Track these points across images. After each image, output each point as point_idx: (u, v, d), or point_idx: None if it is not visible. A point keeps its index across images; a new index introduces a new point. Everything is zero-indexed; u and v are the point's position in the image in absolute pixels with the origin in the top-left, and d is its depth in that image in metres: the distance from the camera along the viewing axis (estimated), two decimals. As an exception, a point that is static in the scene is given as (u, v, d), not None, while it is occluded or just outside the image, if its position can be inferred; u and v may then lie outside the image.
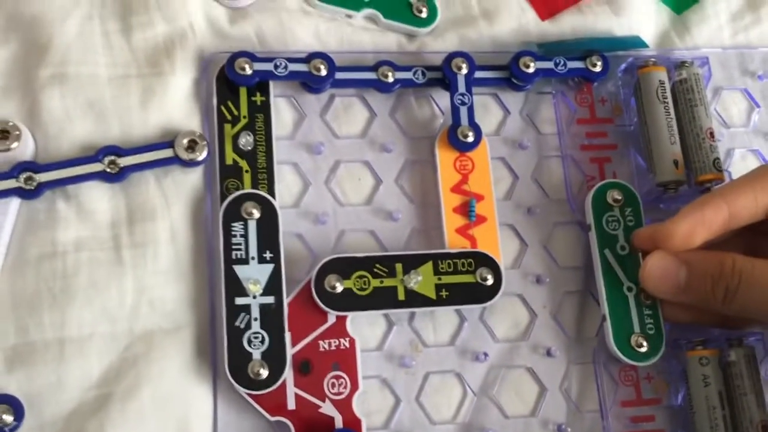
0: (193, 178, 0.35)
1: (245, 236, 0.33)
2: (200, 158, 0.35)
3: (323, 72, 0.36)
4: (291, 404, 0.33)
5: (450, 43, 0.40)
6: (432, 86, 0.38)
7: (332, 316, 0.34)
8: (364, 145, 0.38)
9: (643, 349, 0.35)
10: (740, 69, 0.42)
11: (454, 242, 0.36)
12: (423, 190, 0.37)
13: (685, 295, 0.33)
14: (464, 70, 0.38)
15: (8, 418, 0.30)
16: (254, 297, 0.33)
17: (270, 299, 0.33)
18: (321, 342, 0.34)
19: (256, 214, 0.34)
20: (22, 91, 0.34)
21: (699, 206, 0.33)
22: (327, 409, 0.33)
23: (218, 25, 0.37)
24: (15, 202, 0.33)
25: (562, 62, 0.39)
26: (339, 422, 0.33)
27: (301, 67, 0.36)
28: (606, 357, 0.36)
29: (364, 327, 0.35)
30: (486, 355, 0.35)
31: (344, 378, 0.33)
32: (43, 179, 0.33)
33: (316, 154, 0.37)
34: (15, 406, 0.30)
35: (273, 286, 0.33)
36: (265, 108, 0.36)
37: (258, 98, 0.36)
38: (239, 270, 0.33)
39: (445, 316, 0.36)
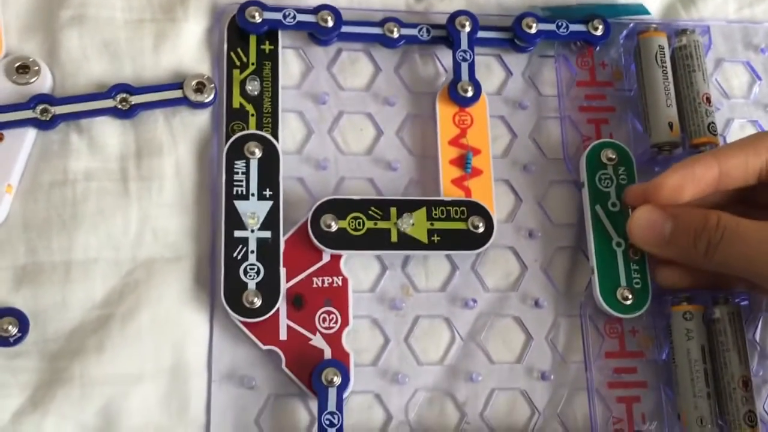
0: (200, 119, 0.37)
1: (246, 174, 0.35)
2: (207, 100, 0.36)
3: (330, 23, 0.38)
4: (283, 335, 0.34)
5: (456, 5, 0.41)
6: (436, 44, 0.40)
7: (327, 255, 0.35)
8: (368, 97, 0.39)
9: (629, 302, 0.36)
10: (743, 42, 0.43)
11: (449, 192, 0.37)
12: (423, 143, 0.39)
13: (668, 247, 0.34)
14: (467, 28, 0.39)
15: (13, 330, 0.32)
16: (252, 231, 0.34)
17: (267, 234, 0.34)
18: (315, 279, 0.35)
19: (258, 153, 0.35)
20: (44, 30, 0.36)
21: (690, 162, 0.34)
22: (317, 341, 0.34)
23: (232, -25, 0.39)
24: (31, 132, 0.35)
25: (564, 25, 0.40)
26: (328, 354, 0.34)
27: (309, 18, 0.38)
28: (593, 310, 0.37)
29: (359, 270, 0.36)
30: (475, 301, 0.37)
31: (335, 314, 0.35)
32: (58, 112, 0.35)
33: (321, 104, 0.38)
34: (20, 319, 0.32)
35: (271, 222, 0.34)
36: (273, 56, 0.38)
37: (267, 47, 0.38)
38: (239, 205, 0.34)
39: (438, 264, 0.37)
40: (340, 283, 0.35)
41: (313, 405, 0.34)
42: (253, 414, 0.34)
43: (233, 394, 0.34)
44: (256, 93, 0.37)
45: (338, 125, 0.38)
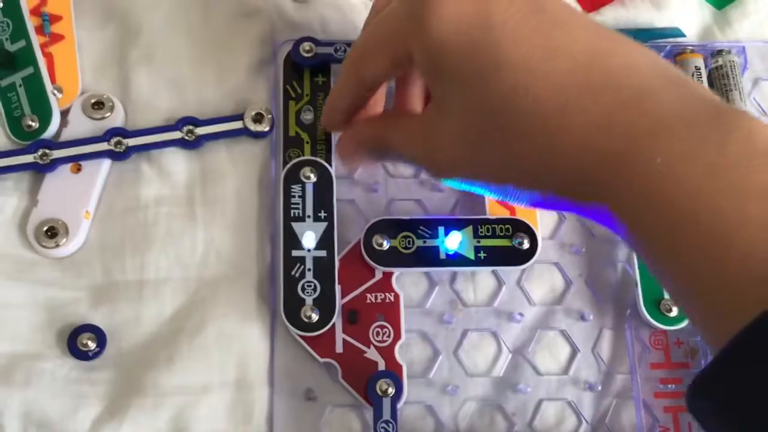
0: (259, 147, 0.39)
1: (303, 197, 0.37)
2: (265, 129, 0.39)
3: (378, 56, 0.40)
4: (339, 348, 0.36)
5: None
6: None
7: (379, 272, 0.37)
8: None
9: (672, 314, 0.37)
10: (781, 61, 0.44)
11: (494, 211, 0.39)
12: (468, 165, 0.40)
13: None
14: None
15: (92, 345, 0.34)
16: (308, 250, 0.37)
17: (323, 253, 0.37)
18: (368, 295, 0.37)
19: (313, 177, 0.38)
20: (116, 69, 0.40)
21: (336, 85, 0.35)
22: (371, 354, 0.36)
23: (285, 13, 0.42)
24: (106, 163, 0.38)
25: (601, 49, 0.41)
26: (382, 366, 0.36)
27: (359, 51, 0.40)
28: (637, 322, 0.38)
29: (409, 286, 0.38)
30: (521, 315, 0.38)
31: (388, 328, 0.37)
32: (131, 143, 0.38)
33: (371, 130, 0.41)
34: (99, 335, 0.35)
35: (325, 242, 0.37)
36: (326, 88, 0.40)
37: (320, 79, 0.40)
38: (296, 226, 0.37)
39: (485, 280, 0.39)
40: (392, 299, 0.37)
41: (369, 415, 0.36)
42: (314, 424, 0.36)
43: (294, 405, 0.36)
44: (310, 122, 0.40)
45: (388, 150, 0.41)
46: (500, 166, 0.28)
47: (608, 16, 0.44)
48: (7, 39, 0.38)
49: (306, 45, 0.40)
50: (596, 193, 0.26)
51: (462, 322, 0.38)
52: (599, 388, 0.37)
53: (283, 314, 0.35)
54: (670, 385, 0.37)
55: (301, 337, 0.36)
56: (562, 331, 0.38)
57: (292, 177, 0.38)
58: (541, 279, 0.39)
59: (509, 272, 0.39)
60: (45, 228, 0.36)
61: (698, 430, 0.36)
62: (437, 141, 0.30)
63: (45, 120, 0.37)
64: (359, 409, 0.36)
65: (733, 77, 0.41)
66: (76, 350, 0.34)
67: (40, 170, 0.37)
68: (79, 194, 0.37)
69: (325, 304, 0.36)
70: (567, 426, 0.37)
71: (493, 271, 0.39)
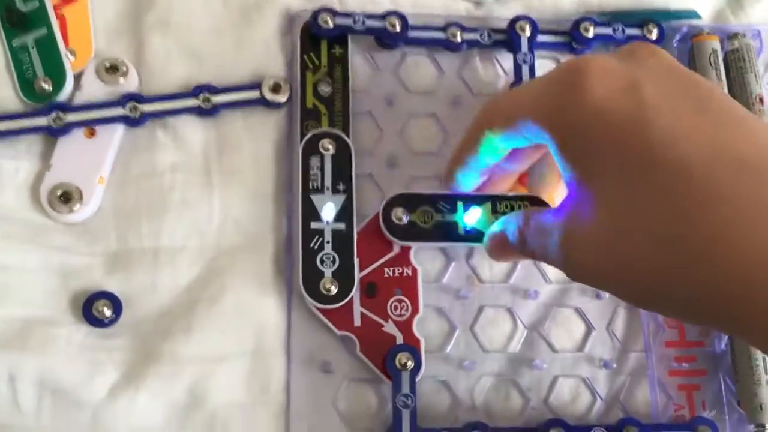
0: (276, 117, 0.39)
1: (321, 169, 0.37)
2: (283, 100, 0.38)
3: (397, 28, 0.40)
4: (357, 321, 0.36)
5: (514, 11, 0.42)
6: (496, 48, 0.42)
7: (397, 246, 0.37)
8: (433, 99, 0.41)
9: (688, 293, 0.37)
10: (793, 45, 0.44)
11: (513, 188, 0.39)
12: (485, 142, 0.40)
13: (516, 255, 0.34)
14: (527, 32, 0.41)
15: (108, 312, 0.34)
16: (327, 223, 0.36)
17: (341, 225, 0.36)
18: (386, 269, 0.37)
19: (332, 150, 0.37)
20: (131, 34, 0.39)
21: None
22: (389, 328, 0.36)
23: (304, -15, 0.41)
24: (120, 128, 0.37)
25: (620, 29, 0.41)
26: (400, 340, 0.36)
27: (378, 23, 0.40)
28: (652, 301, 0.38)
29: (426, 261, 0.38)
30: (537, 293, 0.38)
31: (406, 302, 0.36)
32: (146, 110, 0.37)
33: (389, 105, 0.40)
34: (114, 302, 0.34)
35: (344, 215, 0.36)
36: (343, 60, 0.40)
37: (337, 50, 0.40)
38: (315, 198, 0.36)
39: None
40: (410, 273, 0.37)
41: (384, 389, 0.36)
42: (330, 397, 0.35)
43: (310, 377, 0.35)
44: (328, 94, 0.39)
45: (406, 126, 0.40)
46: (634, 280, 0.26)
47: (623, -2, 0.44)
48: (19, -1, 0.37)
49: (324, 15, 0.39)
50: (729, 319, 0.25)
51: (478, 298, 0.38)
52: (614, 365, 0.37)
53: (302, 286, 0.35)
54: (684, 364, 0.37)
55: (319, 309, 0.35)
56: (576, 309, 0.38)
57: (311, 148, 0.37)
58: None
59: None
60: (58, 192, 0.35)
61: (712, 409, 0.37)
62: (572, 240, 0.28)
63: (59, 82, 0.36)
64: (375, 382, 0.36)
65: (749, 60, 0.41)
66: (91, 317, 0.34)
67: (53, 134, 0.36)
68: (93, 159, 0.36)
69: (344, 277, 0.35)
70: (581, 402, 0.37)
71: (510, 248, 0.38)
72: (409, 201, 0.37)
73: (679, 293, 0.25)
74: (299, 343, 0.36)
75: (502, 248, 0.34)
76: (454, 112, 0.41)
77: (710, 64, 0.40)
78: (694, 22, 0.43)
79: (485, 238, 0.35)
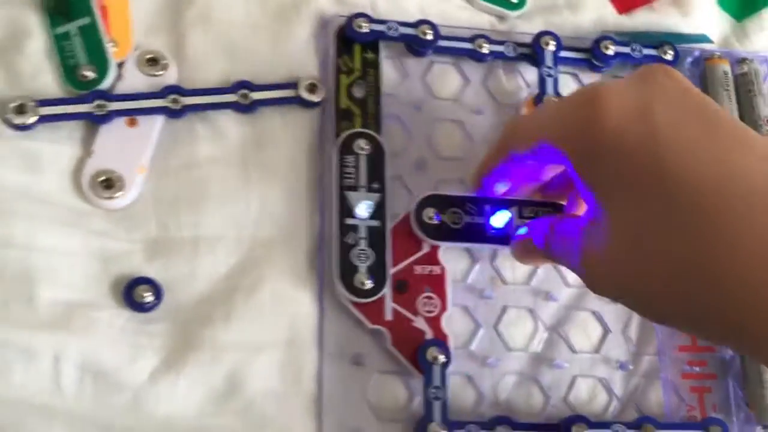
0: (309, 116, 0.40)
1: (356, 167, 0.38)
2: (318, 100, 0.39)
3: (429, 36, 0.41)
4: (388, 316, 0.37)
5: (536, 27, 0.44)
6: (520, 61, 0.43)
7: (426, 246, 0.38)
8: (458, 106, 0.42)
9: (701, 300, 0.39)
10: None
11: (537, 194, 0.40)
12: (508, 149, 0.42)
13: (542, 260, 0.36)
14: (551, 47, 0.42)
15: (149, 297, 0.34)
16: (362, 219, 0.37)
17: (376, 223, 0.37)
18: (416, 266, 0.38)
19: (367, 149, 0.38)
20: (171, 28, 0.39)
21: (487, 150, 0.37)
22: (419, 323, 0.37)
23: (338, -10, 0.42)
24: (160, 119, 0.37)
25: (638, 49, 0.43)
26: (429, 335, 0.37)
27: (410, 31, 0.41)
28: (665, 307, 0.40)
29: (451, 261, 0.39)
30: (557, 295, 0.40)
31: (435, 299, 0.37)
32: (186, 102, 0.37)
33: (416, 110, 0.42)
34: (155, 288, 0.34)
35: (378, 213, 0.37)
36: (375, 64, 0.41)
37: (369, 55, 0.41)
38: (350, 195, 0.37)
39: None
40: (439, 271, 0.38)
41: (412, 382, 0.37)
42: (360, 388, 0.36)
43: (342, 369, 0.36)
44: (361, 96, 0.40)
45: (433, 130, 0.42)
46: (647, 299, 0.28)
47: (639, 19, 0.46)
48: (64, -14, 0.38)
49: (360, 21, 0.40)
50: (740, 339, 0.26)
51: (501, 299, 0.39)
52: (630, 367, 0.39)
53: (338, 279, 0.36)
54: (695, 368, 0.39)
55: (353, 303, 0.36)
56: (594, 312, 0.40)
57: (347, 147, 0.38)
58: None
59: (547, 253, 0.40)
60: (100, 179, 0.35)
61: (721, 411, 0.38)
62: (589, 256, 0.29)
63: (102, 71, 0.37)
64: (404, 376, 0.37)
65: (757, 84, 0.43)
66: (132, 302, 0.34)
67: (95, 121, 0.36)
68: (134, 148, 0.36)
69: (377, 273, 0.36)
70: (598, 402, 0.38)
71: (531, 252, 0.40)
72: (440, 202, 0.38)
73: (691, 313, 0.27)
74: (331, 336, 0.37)
75: (527, 252, 0.36)
76: (478, 120, 0.42)
77: (722, 85, 0.43)
78: (706, 46, 0.46)
79: (512, 242, 0.37)
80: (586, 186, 0.29)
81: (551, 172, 0.37)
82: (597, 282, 0.30)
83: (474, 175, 0.37)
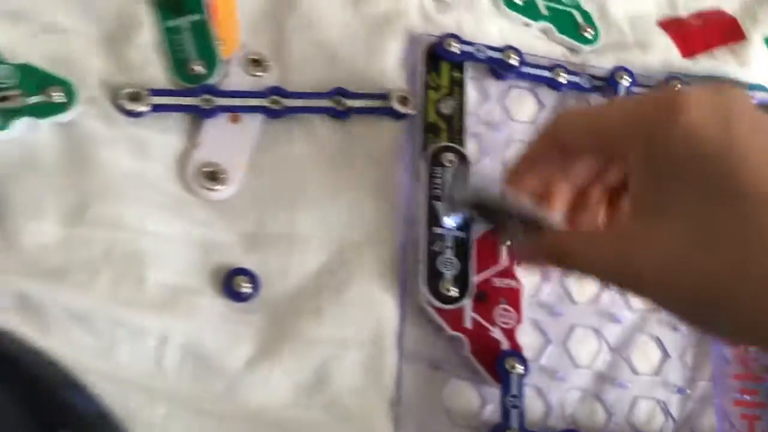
0: (398, 127, 0.41)
1: (444, 179, 0.39)
2: (409, 112, 0.41)
3: (514, 61, 0.43)
4: (468, 323, 0.38)
5: (607, 62, 0.46)
6: (593, 92, 0.45)
7: (504, 260, 0.40)
8: (533, 129, 0.44)
9: (757, 332, 0.41)
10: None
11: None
12: (577, 175, 0.44)
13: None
14: (626, 82, 0.44)
15: (247, 288, 0.35)
16: (449, 229, 0.39)
17: (462, 234, 0.39)
18: (495, 279, 0.39)
19: (455, 163, 0.40)
20: (274, 31, 0.41)
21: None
22: (496, 333, 0.38)
23: (427, 11, 0.44)
24: (259, 118, 0.39)
25: (703, 90, 0.46)
26: (504, 345, 0.38)
27: (497, 55, 0.43)
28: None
29: (523, 276, 0.41)
30: (620, 318, 0.41)
31: (511, 311, 0.39)
32: (286, 104, 0.39)
33: (495, 131, 0.43)
34: (253, 279, 0.35)
35: (464, 224, 0.39)
36: (461, 83, 0.43)
37: (456, 74, 0.43)
38: (438, 205, 0.39)
39: (590, 281, 0.42)
40: (515, 285, 0.40)
41: (486, 390, 0.38)
42: (437, 392, 0.37)
43: (420, 372, 0.37)
44: (448, 112, 0.42)
45: (508, 150, 0.43)
46: (703, 298, 0.28)
47: (701, 63, 0.48)
48: (178, -18, 0.39)
49: (450, 41, 0.42)
50: None
51: (569, 317, 0.41)
52: (687, 391, 0.41)
53: (425, 284, 0.37)
54: (746, 396, 0.41)
55: (435, 309, 0.38)
56: (654, 337, 0.42)
57: (436, 159, 0.40)
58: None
59: (612, 277, 0.42)
60: (205, 170, 0.36)
61: (771, 438, 0.40)
62: (641, 253, 0.29)
63: (211, 66, 0.38)
64: (478, 383, 0.38)
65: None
66: (231, 291, 0.35)
67: (201, 114, 0.37)
68: (237, 144, 0.38)
69: (462, 281, 0.38)
70: (656, 423, 0.40)
71: (597, 274, 0.42)
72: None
73: (743, 314, 0.28)
74: (410, 339, 0.38)
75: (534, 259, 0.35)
76: (551, 145, 0.44)
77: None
78: (760, 94, 0.48)
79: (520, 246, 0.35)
80: (646, 182, 0.29)
81: (587, 174, 0.35)
82: (652, 282, 0.29)
83: (511, 169, 0.36)
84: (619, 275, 0.30)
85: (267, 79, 0.40)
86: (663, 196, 0.29)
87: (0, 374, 0.25)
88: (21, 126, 0.35)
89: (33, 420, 0.25)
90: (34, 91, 0.35)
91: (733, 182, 0.27)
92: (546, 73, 0.44)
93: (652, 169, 0.29)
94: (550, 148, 0.34)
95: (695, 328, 0.36)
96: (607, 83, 0.45)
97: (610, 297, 0.42)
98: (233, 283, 0.35)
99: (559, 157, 0.34)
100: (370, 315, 0.37)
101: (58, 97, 0.35)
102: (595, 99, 0.46)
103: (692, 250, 0.28)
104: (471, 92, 0.44)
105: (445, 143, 0.40)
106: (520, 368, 0.37)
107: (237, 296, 0.35)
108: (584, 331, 0.41)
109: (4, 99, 0.34)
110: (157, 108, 0.37)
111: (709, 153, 0.28)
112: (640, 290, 0.30)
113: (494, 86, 0.44)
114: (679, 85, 0.45)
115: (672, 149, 0.29)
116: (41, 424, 0.25)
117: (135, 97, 0.36)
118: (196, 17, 0.39)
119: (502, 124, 0.44)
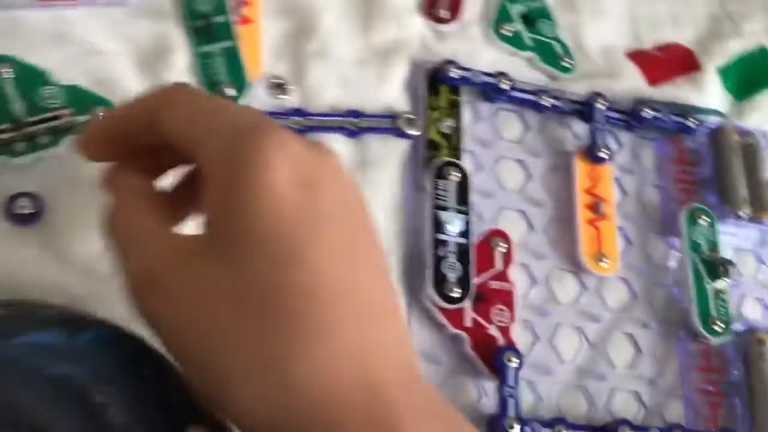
0: (404, 145, 0.46)
1: (446, 191, 0.44)
2: (415, 132, 0.45)
3: (505, 86, 0.48)
4: (468, 322, 0.43)
5: (581, 88, 0.52)
6: (571, 115, 0.51)
7: (499, 264, 0.44)
8: (519, 148, 0.49)
9: (718, 329, 0.46)
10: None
11: (584, 230, 0.47)
12: (561, 188, 0.49)
13: None
14: (601, 106, 0.50)
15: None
16: (453, 235, 0.43)
17: (463, 240, 0.43)
18: (491, 281, 0.44)
19: (456, 177, 0.44)
20: (294, 58, 0.45)
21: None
22: (492, 331, 0.43)
23: (427, 41, 0.49)
24: (282, 136, 0.43)
25: (668, 114, 0.52)
26: (500, 342, 0.43)
27: (491, 80, 0.48)
28: (686, 334, 0.47)
29: (515, 279, 0.45)
30: (599, 317, 0.46)
31: (505, 311, 0.44)
32: (306, 124, 0.43)
33: (486, 147, 0.48)
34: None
35: (464, 233, 0.44)
36: (457, 105, 0.48)
37: (453, 96, 0.48)
38: (442, 214, 0.43)
39: (571, 284, 0.47)
40: (508, 287, 0.44)
41: (483, 383, 0.42)
42: (437, 386, 0.42)
43: (421, 367, 0.41)
44: (447, 131, 0.47)
45: (498, 165, 0.48)
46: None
47: (665, 91, 0.54)
48: (209, 12, 0.43)
49: (450, 66, 0.47)
50: None
51: (555, 317, 0.46)
52: (658, 381, 0.46)
53: (432, 286, 0.42)
54: (709, 386, 0.47)
55: (439, 309, 0.42)
56: (628, 334, 0.47)
57: (439, 173, 0.44)
58: (615, 290, 0.47)
59: (591, 280, 0.47)
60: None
61: (731, 422, 0.46)
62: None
63: (240, 89, 0.42)
64: (474, 377, 0.43)
65: (760, 152, 0.52)
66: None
67: (232, 132, 0.41)
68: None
69: (464, 283, 0.42)
70: (631, 411, 0.45)
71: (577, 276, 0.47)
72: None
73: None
74: (414, 339, 0.42)
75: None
76: (535, 161, 0.49)
77: (734, 152, 0.51)
78: (713, 118, 0.54)
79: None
80: (222, 222, 0.26)
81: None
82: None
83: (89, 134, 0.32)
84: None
85: (288, 101, 0.44)
86: (232, 245, 0.26)
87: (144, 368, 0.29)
88: (71, 143, 0.38)
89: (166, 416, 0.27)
90: (81, 111, 0.38)
91: (295, 260, 0.26)
92: (531, 97, 0.49)
93: (229, 213, 0.26)
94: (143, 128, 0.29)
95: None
96: (585, 106, 0.50)
97: (590, 299, 0.47)
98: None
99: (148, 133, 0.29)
100: (384, 314, 0.41)
101: (103, 116, 0.38)
102: (573, 121, 0.51)
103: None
104: (465, 113, 0.48)
105: (447, 159, 0.45)
106: (515, 361, 0.42)
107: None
108: (567, 330, 0.46)
109: (55, 118, 0.38)
110: (193, 126, 0.40)
111: (284, 215, 0.26)
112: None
113: (485, 108, 0.49)
114: (647, 111, 0.51)
115: (246, 190, 0.26)
116: (174, 419, 0.27)
117: (174, 116, 0.40)
118: (227, 44, 0.42)
119: (492, 142, 0.49)
